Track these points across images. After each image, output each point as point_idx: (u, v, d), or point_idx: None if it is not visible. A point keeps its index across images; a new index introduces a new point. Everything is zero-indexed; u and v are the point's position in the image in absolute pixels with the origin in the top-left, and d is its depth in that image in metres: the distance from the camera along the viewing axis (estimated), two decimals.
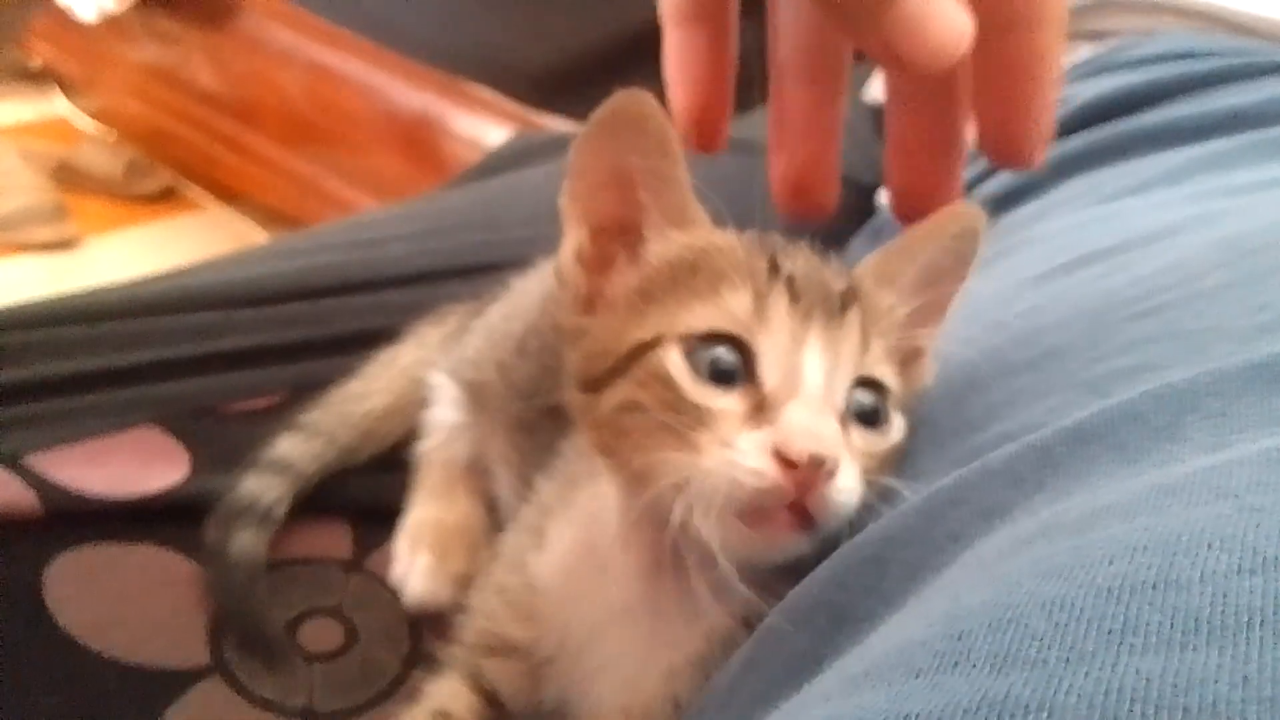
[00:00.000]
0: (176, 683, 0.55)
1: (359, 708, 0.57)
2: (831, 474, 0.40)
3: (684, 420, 0.43)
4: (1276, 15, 0.81)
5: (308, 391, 0.68)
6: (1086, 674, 0.22)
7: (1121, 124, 0.76)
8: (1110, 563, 0.25)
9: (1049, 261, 0.55)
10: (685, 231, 0.47)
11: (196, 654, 0.57)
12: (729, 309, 0.44)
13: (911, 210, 0.47)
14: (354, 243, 0.83)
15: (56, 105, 3.03)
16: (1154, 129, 0.73)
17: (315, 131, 2.23)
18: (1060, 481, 0.33)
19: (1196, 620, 0.22)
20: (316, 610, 0.60)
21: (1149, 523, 0.26)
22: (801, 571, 0.41)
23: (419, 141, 2.00)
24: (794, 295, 0.43)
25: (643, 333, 0.45)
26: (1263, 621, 0.22)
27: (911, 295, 0.47)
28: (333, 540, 0.64)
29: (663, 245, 0.47)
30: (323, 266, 0.78)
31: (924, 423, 0.47)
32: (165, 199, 2.81)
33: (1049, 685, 0.22)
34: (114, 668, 0.54)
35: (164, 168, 2.81)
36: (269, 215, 2.57)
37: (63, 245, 2.54)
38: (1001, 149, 0.44)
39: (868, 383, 0.44)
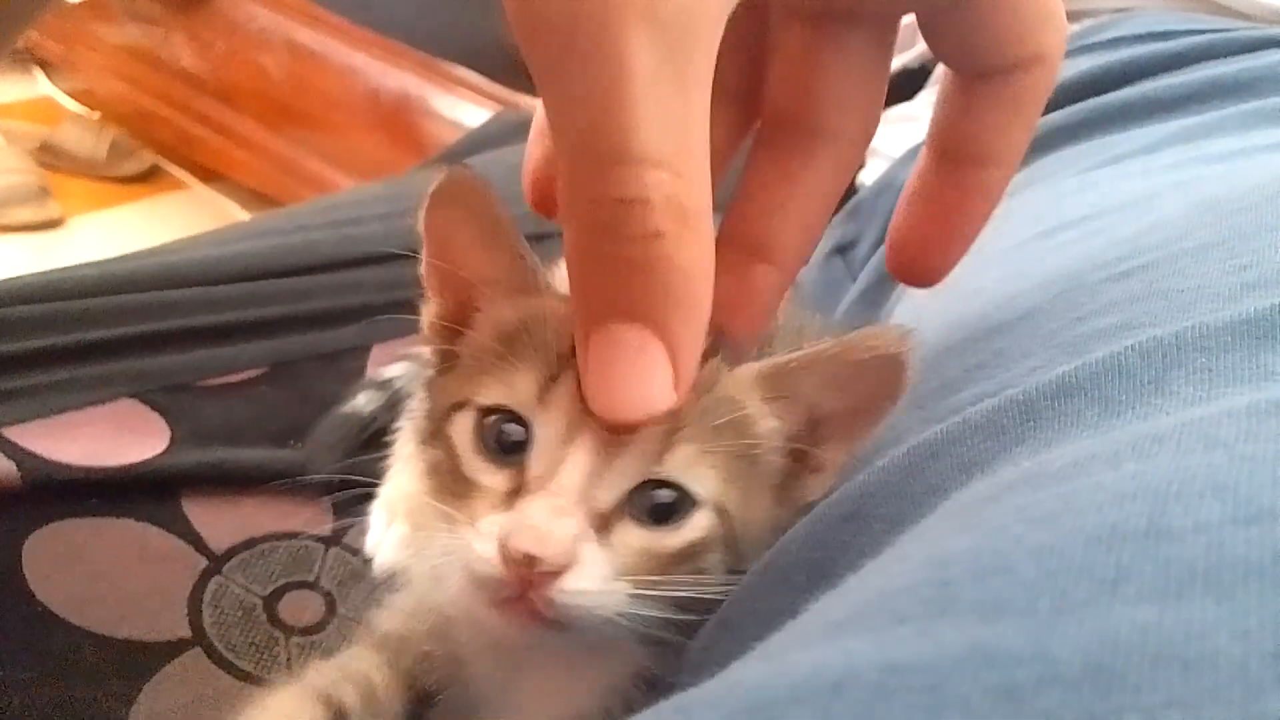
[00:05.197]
0: (157, 655, 0.55)
1: None
2: (554, 575, 0.39)
3: (457, 489, 0.43)
4: None
5: (285, 366, 0.69)
6: (1080, 624, 0.21)
7: (1099, 100, 0.76)
8: (1099, 510, 0.24)
9: (1026, 230, 0.55)
10: (520, 302, 0.46)
11: (177, 627, 0.57)
12: (518, 386, 0.42)
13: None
14: (332, 221, 0.83)
15: (38, 86, 3.01)
16: (1131, 103, 0.73)
17: (296, 112, 2.22)
18: (1042, 434, 0.33)
19: (1191, 570, 0.22)
20: (296, 584, 0.61)
21: (1138, 470, 0.26)
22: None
23: (399, 122, 2.00)
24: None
25: (456, 396, 0.45)
26: (1261, 573, 0.21)
27: (809, 410, 0.45)
28: (312, 516, 0.64)
29: (493, 315, 0.47)
30: (301, 245, 0.78)
31: None
32: (148, 180, 2.80)
33: (1041, 635, 0.21)
34: (94, 641, 0.54)
35: (146, 148, 2.80)
36: (251, 196, 2.56)
37: (47, 226, 2.53)
38: (910, 264, 0.44)
39: (666, 484, 0.42)
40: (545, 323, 0.44)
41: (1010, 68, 0.39)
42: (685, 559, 0.42)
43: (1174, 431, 0.27)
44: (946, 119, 0.42)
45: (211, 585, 0.59)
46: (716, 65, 0.31)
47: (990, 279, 0.47)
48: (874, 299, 0.77)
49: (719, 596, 0.42)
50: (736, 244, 0.40)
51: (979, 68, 0.40)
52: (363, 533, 0.64)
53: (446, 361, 0.49)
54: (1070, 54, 0.82)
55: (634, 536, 0.41)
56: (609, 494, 0.41)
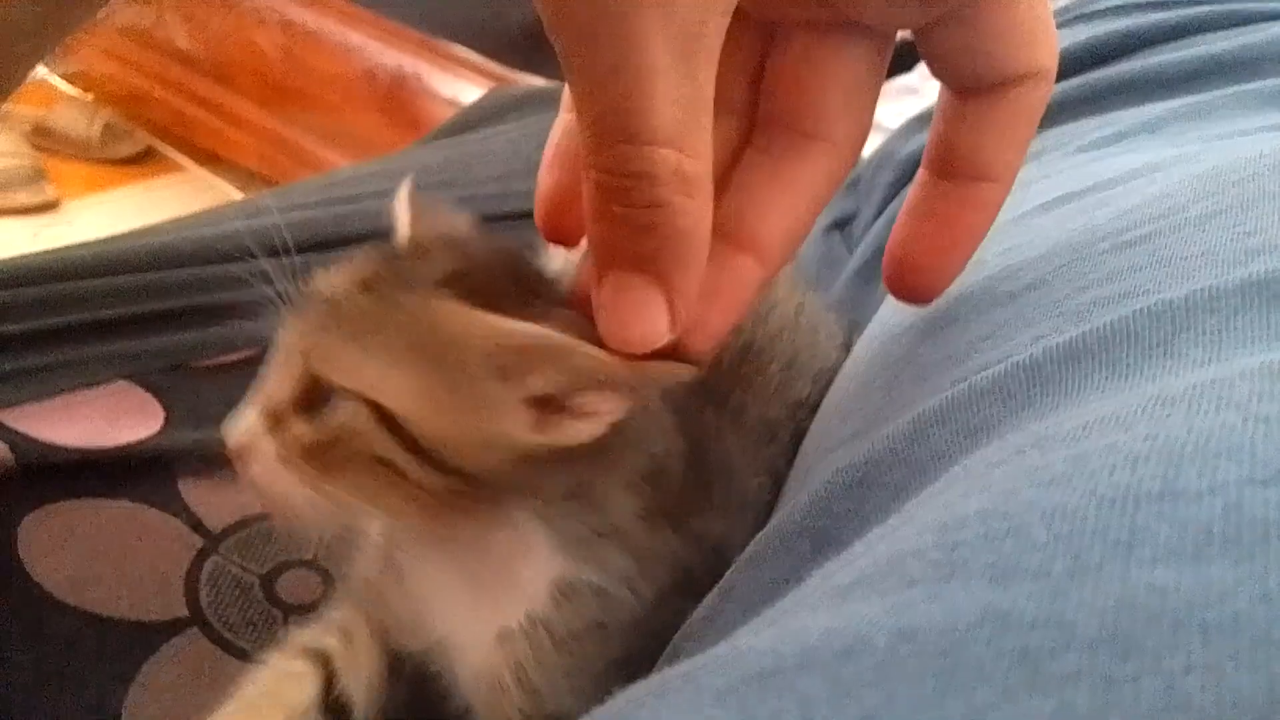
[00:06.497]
0: (154, 635, 0.55)
1: None
2: (243, 460, 0.44)
3: None
4: None
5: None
6: (1095, 587, 0.21)
7: (1099, 73, 0.75)
8: (1111, 472, 0.24)
9: (1027, 204, 0.55)
10: None
11: (174, 607, 0.57)
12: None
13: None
14: (328, 199, 0.82)
15: None
16: (1132, 78, 0.73)
17: (292, 92, 2.21)
18: (1049, 398, 0.33)
19: (1209, 532, 0.21)
20: (293, 563, 0.61)
21: (1150, 431, 0.25)
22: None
23: (397, 102, 1.99)
24: (296, 301, 0.46)
25: None
26: None
27: None
28: None
29: None
30: (297, 222, 0.77)
31: (905, 357, 0.46)
32: (143, 161, 2.79)
33: (1055, 598, 0.21)
34: (91, 622, 0.54)
35: (141, 130, 2.79)
36: (247, 177, 2.56)
37: (42, 209, 2.52)
38: (906, 278, 0.44)
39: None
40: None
41: (1006, 82, 0.40)
42: (355, 452, 0.43)
43: (1185, 393, 0.27)
44: (943, 135, 0.43)
45: (208, 565, 0.59)
46: (721, 81, 0.34)
47: (991, 252, 0.47)
48: (870, 275, 0.77)
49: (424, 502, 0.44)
50: (720, 234, 0.41)
51: (975, 83, 0.41)
52: None
53: None
54: (1068, 23, 0.82)
55: (298, 428, 0.44)
56: (281, 393, 0.45)
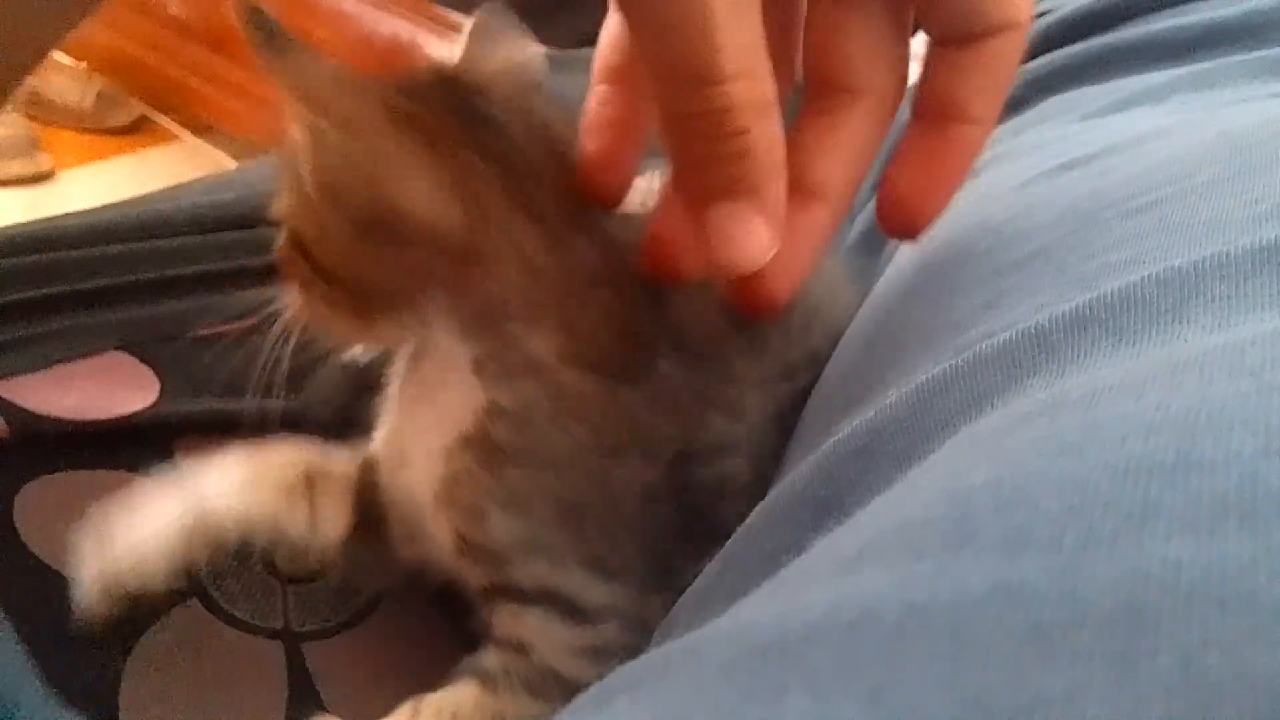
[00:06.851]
0: (153, 605, 0.55)
1: (335, 628, 0.57)
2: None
3: None
4: None
5: (278, 315, 0.68)
6: (1109, 560, 0.20)
7: (1102, 39, 0.75)
8: (1124, 442, 0.23)
9: (1032, 170, 0.55)
10: None
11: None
12: None
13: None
14: None
15: None
16: (1136, 44, 0.72)
17: None
18: (1055, 365, 0.32)
19: (1225, 504, 0.20)
20: None
21: (1162, 400, 0.25)
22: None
23: (393, 68, 1.97)
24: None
25: None
26: None
27: None
28: None
29: None
30: None
31: (908, 325, 0.46)
32: (137, 131, 2.77)
33: (1067, 571, 0.20)
34: None
35: (135, 99, 2.77)
36: (242, 147, 2.54)
37: (37, 179, 2.51)
38: (896, 213, 0.48)
39: None
40: None
41: (985, 34, 0.43)
42: (297, 271, 0.50)
43: (1197, 360, 0.26)
44: (928, 84, 0.46)
45: None
46: None
47: (997, 218, 0.47)
48: (869, 247, 0.76)
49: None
50: (789, 186, 0.44)
51: (957, 35, 0.44)
52: None
53: None
54: None
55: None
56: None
